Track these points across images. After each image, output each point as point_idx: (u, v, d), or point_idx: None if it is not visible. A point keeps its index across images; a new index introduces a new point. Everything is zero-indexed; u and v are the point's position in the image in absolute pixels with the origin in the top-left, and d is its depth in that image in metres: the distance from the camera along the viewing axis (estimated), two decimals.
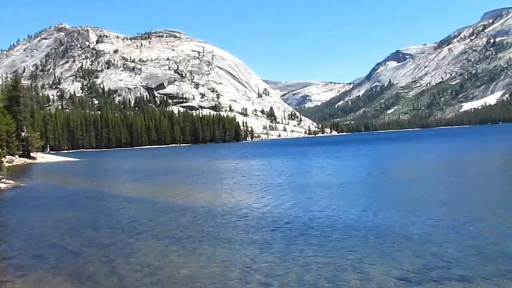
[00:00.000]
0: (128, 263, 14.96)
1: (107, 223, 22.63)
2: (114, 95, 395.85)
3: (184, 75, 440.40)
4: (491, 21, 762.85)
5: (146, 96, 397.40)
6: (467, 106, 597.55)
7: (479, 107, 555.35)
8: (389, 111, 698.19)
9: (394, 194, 30.20)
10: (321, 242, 16.77)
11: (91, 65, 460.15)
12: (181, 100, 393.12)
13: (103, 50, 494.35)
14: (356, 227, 19.10)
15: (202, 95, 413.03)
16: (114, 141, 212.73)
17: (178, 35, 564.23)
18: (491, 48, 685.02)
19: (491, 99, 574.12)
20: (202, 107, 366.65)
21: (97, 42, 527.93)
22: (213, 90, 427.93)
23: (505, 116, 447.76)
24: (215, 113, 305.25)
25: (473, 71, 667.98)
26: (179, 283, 13.01)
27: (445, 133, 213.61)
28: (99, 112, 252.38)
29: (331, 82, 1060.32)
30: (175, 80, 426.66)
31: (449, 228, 18.16)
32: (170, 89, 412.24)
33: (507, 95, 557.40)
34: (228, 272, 13.79)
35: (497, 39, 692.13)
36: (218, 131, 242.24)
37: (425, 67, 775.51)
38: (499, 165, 48.06)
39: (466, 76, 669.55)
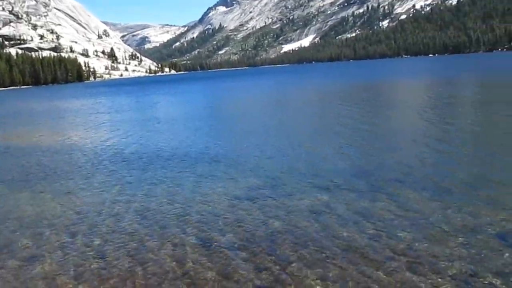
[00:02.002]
0: None
1: None
2: None
3: (20, 16, 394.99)
4: None
5: None
6: (286, 47, 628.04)
7: (296, 49, 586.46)
8: (220, 52, 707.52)
9: (227, 125, 30.60)
10: (164, 168, 16.44)
11: None
12: (18, 42, 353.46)
13: None
14: (195, 155, 18.96)
15: (41, 37, 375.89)
16: None
17: None
18: None
19: (305, 42, 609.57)
20: (42, 49, 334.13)
21: None
22: (52, 32, 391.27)
23: (317, 56, 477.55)
24: (56, 54, 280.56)
25: (291, 17, 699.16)
26: (26, 223, 11.68)
27: (271, 71, 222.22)
28: None
29: (168, 25, 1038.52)
30: (10, 22, 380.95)
31: (276, 152, 18.84)
32: (5, 30, 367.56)
33: (317, 38, 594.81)
34: (75, 208, 12.76)
35: None
36: (60, 72, 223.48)
37: (250, 12, 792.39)
38: (317, 98, 51.14)
39: (285, 21, 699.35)
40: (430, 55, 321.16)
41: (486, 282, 7.35)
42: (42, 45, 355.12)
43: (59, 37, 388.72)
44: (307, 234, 9.76)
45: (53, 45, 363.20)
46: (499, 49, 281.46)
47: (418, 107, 31.24)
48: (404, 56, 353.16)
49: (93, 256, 9.31)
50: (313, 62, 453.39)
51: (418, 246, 8.83)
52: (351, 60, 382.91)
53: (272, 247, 9.24)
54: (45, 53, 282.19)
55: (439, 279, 7.53)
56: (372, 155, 17.27)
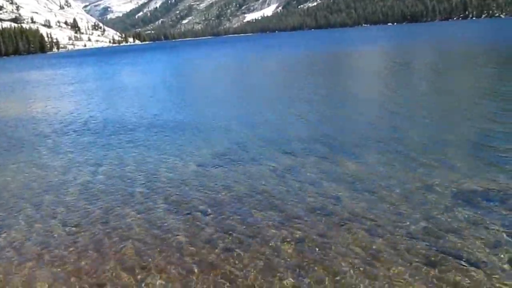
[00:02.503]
0: None
1: None
2: None
3: None
4: None
5: None
6: (249, 17, 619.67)
7: (259, 18, 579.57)
8: (184, 22, 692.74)
9: (191, 94, 30.24)
10: (129, 137, 16.16)
11: None
12: None
13: None
14: (160, 123, 18.70)
15: (0, 8, 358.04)
16: None
17: None
18: None
19: (268, 11, 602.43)
20: (1, 20, 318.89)
21: None
22: (11, 2, 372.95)
23: (279, 26, 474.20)
24: (16, 25, 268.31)
25: None
26: None
27: (234, 41, 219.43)
28: None
29: None
30: None
31: (239, 119, 18.81)
32: None
33: (280, 8, 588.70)
34: (40, 177, 12.44)
35: None
36: (21, 44, 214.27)
37: None
38: (280, 67, 50.94)
39: None
40: (389, 24, 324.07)
41: (441, 239, 7.58)
42: (1, 16, 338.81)
43: (19, 7, 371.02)
44: (271, 197, 9.81)
45: (13, 16, 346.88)
46: (454, 18, 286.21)
47: (377, 75, 31.60)
48: (364, 25, 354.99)
49: (59, 224, 9.13)
50: (276, 31, 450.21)
51: (377, 206, 9.01)
52: (313, 30, 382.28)
53: (238, 210, 9.26)
54: (5, 24, 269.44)
55: (397, 238, 7.72)
56: (332, 120, 17.42)
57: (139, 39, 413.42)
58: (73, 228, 8.92)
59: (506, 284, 6.20)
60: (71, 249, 8.04)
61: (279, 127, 16.58)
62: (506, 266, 6.64)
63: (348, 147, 13.17)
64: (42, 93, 36.89)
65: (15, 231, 8.96)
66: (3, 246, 8.33)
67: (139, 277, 6.93)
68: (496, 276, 6.41)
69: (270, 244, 7.73)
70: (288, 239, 7.86)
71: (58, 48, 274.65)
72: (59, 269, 7.32)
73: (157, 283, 6.72)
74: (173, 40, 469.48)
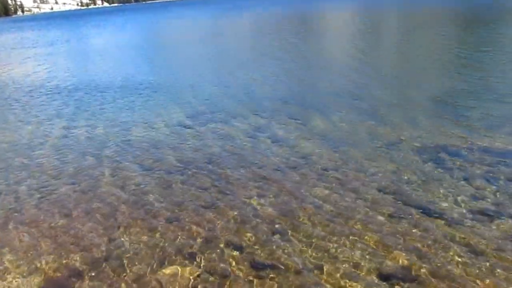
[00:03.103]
0: None
1: None
2: None
3: None
4: None
5: None
6: None
7: None
8: None
9: (162, 56, 29.55)
10: (101, 99, 15.75)
11: None
12: None
13: None
14: (131, 84, 18.24)
15: None
16: None
17: None
18: None
19: None
20: None
21: None
22: None
23: None
24: None
25: None
26: None
27: (206, 2, 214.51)
28: None
29: None
30: None
31: (211, 80, 18.53)
32: None
33: None
34: (11, 141, 12.01)
35: None
36: None
37: None
38: (252, 29, 50.11)
39: None
40: None
41: (408, 192, 7.68)
42: None
43: None
44: (244, 156, 9.74)
45: None
46: None
47: (345, 35, 31.41)
48: None
49: (29, 184, 8.85)
50: None
51: (347, 163, 9.05)
52: None
53: (211, 169, 9.16)
54: None
55: (367, 192, 7.79)
56: (300, 79, 17.30)
57: (107, 2, 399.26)
58: (43, 189, 8.67)
59: (467, 233, 6.33)
60: (40, 209, 7.82)
61: (249, 87, 16.38)
62: (468, 217, 6.78)
63: (316, 106, 13.13)
64: (9, 56, 35.43)
65: None
66: None
67: (110, 236, 6.81)
68: (458, 226, 6.54)
69: (242, 201, 7.69)
70: (258, 196, 7.83)
71: (23, 11, 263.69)
72: (31, 229, 7.12)
73: (128, 241, 6.62)
74: (143, 2, 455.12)
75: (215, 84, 17.40)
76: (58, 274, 5.87)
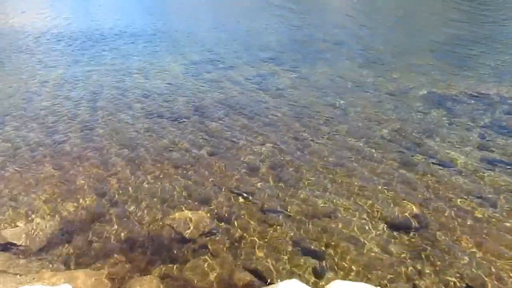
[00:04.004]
0: None
1: None
2: None
3: None
4: None
5: None
6: None
7: None
8: None
9: (165, 5, 28.52)
10: (107, 46, 15.21)
11: None
12: None
13: None
14: (135, 33, 17.61)
15: None
16: None
17: None
18: None
19: None
20: None
21: None
22: None
23: None
24: None
25: None
26: None
27: None
28: None
29: None
30: None
31: (213, 30, 18.01)
32: None
33: None
34: (24, 88, 11.64)
35: None
36: None
37: None
38: None
39: None
40: None
41: (414, 140, 7.57)
42: None
43: None
44: (249, 105, 9.50)
45: None
46: None
47: None
48: None
49: (45, 134, 8.55)
50: None
51: (353, 110, 8.88)
52: None
53: (216, 116, 8.95)
54: None
55: (373, 141, 7.67)
56: (304, 30, 16.76)
57: None
58: (59, 135, 8.38)
59: (474, 181, 6.28)
60: (57, 156, 7.61)
61: (253, 36, 15.88)
62: (475, 165, 6.70)
63: (319, 55, 12.77)
64: (13, 5, 34.09)
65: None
66: None
67: (122, 182, 6.69)
68: (466, 174, 6.47)
69: (249, 148, 7.54)
70: (264, 144, 7.68)
71: None
72: (48, 175, 6.95)
73: (140, 187, 6.51)
74: None
75: (217, 33, 16.83)
76: (75, 217, 5.80)
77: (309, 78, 10.98)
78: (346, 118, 8.52)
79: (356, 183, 6.38)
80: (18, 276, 4.63)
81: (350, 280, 4.43)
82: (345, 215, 5.72)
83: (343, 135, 7.86)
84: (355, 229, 5.46)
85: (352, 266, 4.92)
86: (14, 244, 5.13)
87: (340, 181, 6.47)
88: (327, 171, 6.72)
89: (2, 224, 5.57)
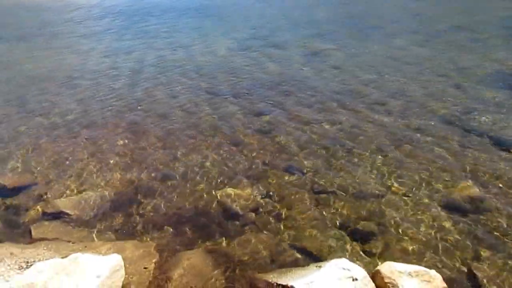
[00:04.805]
0: None
1: None
2: None
3: None
4: None
5: None
6: None
7: None
8: None
9: None
10: (160, 22, 15.29)
11: None
12: None
13: None
14: (187, 9, 17.61)
15: None
16: None
17: None
18: None
19: None
20: None
21: None
22: None
23: None
24: None
25: None
26: (29, 77, 10.87)
27: None
28: None
29: None
30: None
31: (264, 5, 17.57)
32: None
33: None
34: (74, 63, 11.90)
35: None
36: None
37: None
38: None
39: None
40: None
41: (475, 119, 7.10)
42: None
43: None
44: (305, 82, 9.27)
45: None
46: None
47: None
48: None
49: (100, 109, 8.65)
50: None
51: (412, 88, 8.47)
52: None
53: (270, 94, 8.76)
54: None
55: (431, 118, 7.29)
56: (357, 4, 16.14)
57: None
58: (112, 110, 8.46)
59: None
60: (114, 128, 7.67)
61: (304, 11, 15.45)
62: None
63: (373, 31, 12.29)
64: None
65: (54, 114, 8.58)
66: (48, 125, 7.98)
67: (175, 157, 6.65)
68: None
69: (303, 127, 7.33)
70: (319, 122, 7.44)
71: None
72: (100, 148, 7.02)
73: (191, 162, 6.45)
74: None
75: (268, 9, 16.50)
76: (127, 189, 5.82)
77: (362, 55, 10.58)
78: (402, 97, 8.10)
79: (411, 164, 6.03)
80: (70, 243, 4.69)
81: (402, 262, 4.16)
82: (398, 196, 5.41)
83: (399, 114, 7.47)
84: (409, 210, 5.16)
85: (405, 248, 4.65)
86: (67, 214, 5.20)
87: (393, 162, 6.14)
88: (381, 152, 6.40)
89: (55, 194, 5.67)
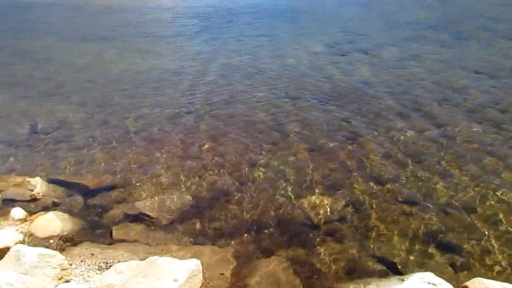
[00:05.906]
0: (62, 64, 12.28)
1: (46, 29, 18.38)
2: None
3: None
4: None
5: None
6: None
7: None
8: None
9: None
10: (243, 24, 15.24)
11: None
12: None
13: None
14: (271, 12, 17.47)
15: None
16: None
17: None
18: None
19: None
20: None
21: None
22: None
23: None
24: None
25: None
26: (113, 77, 11.07)
27: None
28: None
29: None
30: None
31: (354, 7, 17.10)
32: None
33: None
34: (161, 65, 12.03)
35: None
36: None
37: None
38: None
39: None
40: None
41: None
42: None
43: None
44: (391, 85, 8.83)
45: None
46: None
47: None
48: None
49: (179, 113, 8.53)
50: None
51: (505, 98, 7.76)
52: None
53: (355, 98, 8.41)
54: None
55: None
56: (457, 3, 15.21)
57: None
58: (196, 108, 8.40)
59: None
60: (199, 130, 7.60)
61: (394, 13, 14.82)
62: None
63: (474, 33, 11.64)
64: None
65: (141, 113, 8.58)
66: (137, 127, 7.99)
67: (254, 161, 6.41)
68: None
69: (386, 133, 6.91)
70: (403, 129, 6.98)
71: None
72: (179, 151, 6.90)
73: (270, 167, 6.19)
74: None
75: (357, 10, 15.99)
76: (206, 194, 5.66)
77: (462, 58, 9.98)
78: (500, 105, 7.42)
79: (507, 175, 5.39)
80: (148, 246, 4.58)
81: (492, 279, 3.68)
82: (490, 210, 4.84)
83: (496, 123, 6.81)
84: (503, 224, 4.58)
85: (495, 264, 4.17)
86: (147, 216, 5.13)
87: (486, 172, 5.54)
88: (474, 161, 5.81)
89: (136, 196, 5.62)
